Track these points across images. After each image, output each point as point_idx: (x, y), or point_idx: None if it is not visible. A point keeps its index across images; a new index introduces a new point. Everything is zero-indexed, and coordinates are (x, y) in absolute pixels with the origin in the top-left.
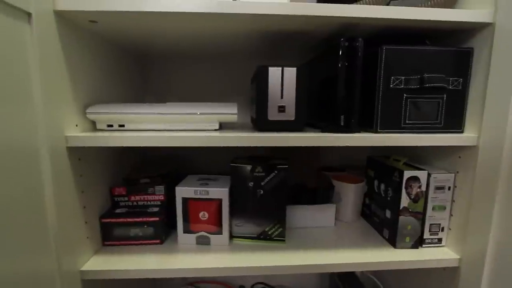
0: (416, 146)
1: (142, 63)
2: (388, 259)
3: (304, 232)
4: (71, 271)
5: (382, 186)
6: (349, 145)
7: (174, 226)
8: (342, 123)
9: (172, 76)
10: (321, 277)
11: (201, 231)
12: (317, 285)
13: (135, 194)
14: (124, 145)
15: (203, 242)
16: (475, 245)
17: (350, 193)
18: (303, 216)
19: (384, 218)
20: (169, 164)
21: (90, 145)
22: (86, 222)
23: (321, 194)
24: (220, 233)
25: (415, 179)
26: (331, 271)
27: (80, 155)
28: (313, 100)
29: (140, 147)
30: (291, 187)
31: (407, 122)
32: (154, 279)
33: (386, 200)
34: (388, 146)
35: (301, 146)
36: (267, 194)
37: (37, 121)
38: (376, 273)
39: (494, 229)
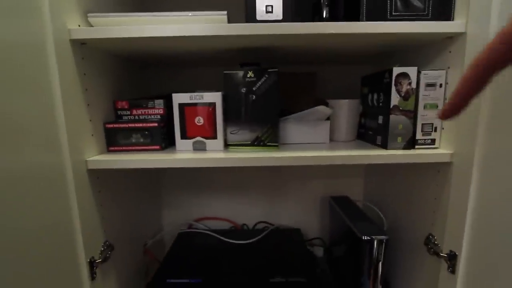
0: (407, 49)
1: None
2: (380, 153)
3: (297, 147)
4: (79, 160)
5: (375, 96)
6: (333, 32)
7: (173, 141)
8: (326, 15)
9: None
10: (321, 216)
11: (197, 136)
12: (317, 223)
13: (137, 108)
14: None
15: (199, 148)
16: (468, 140)
17: (344, 110)
18: (296, 131)
19: (376, 126)
20: None
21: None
22: (92, 135)
23: None
24: (215, 137)
25: (405, 75)
26: (324, 163)
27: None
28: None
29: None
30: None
31: (393, 14)
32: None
33: (378, 107)
34: (379, 60)
35: (296, 74)
36: (259, 99)
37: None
38: (376, 204)
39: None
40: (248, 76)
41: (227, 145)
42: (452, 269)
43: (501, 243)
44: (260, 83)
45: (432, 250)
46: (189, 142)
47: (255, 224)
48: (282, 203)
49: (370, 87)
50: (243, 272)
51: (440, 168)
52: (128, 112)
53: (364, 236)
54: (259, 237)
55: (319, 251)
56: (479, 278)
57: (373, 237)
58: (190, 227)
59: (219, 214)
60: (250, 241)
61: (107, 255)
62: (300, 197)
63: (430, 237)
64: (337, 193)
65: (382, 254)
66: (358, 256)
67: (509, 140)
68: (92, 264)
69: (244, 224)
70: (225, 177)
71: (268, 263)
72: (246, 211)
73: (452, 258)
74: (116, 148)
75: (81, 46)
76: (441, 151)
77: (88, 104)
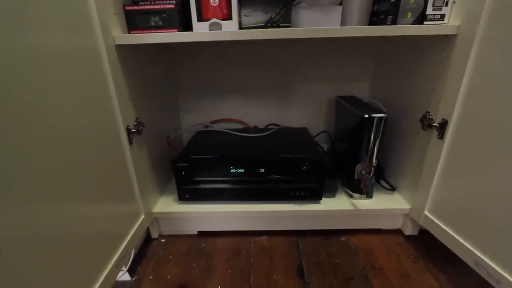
0: None
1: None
2: (390, 27)
3: None
4: (108, 37)
5: None
6: None
7: (189, 27)
8: None
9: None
10: (327, 117)
11: (213, 18)
12: (324, 123)
13: None
14: None
15: (215, 28)
16: (474, 15)
17: None
18: (308, 16)
19: (388, 7)
20: None
21: None
22: (114, 13)
23: None
24: (230, 18)
25: None
26: (335, 35)
27: None
28: None
29: None
30: None
31: None
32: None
33: None
34: None
35: None
36: None
37: None
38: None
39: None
40: None
41: (241, 28)
42: (441, 135)
43: (486, 114)
44: None
45: (427, 123)
46: (205, 25)
47: (266, 126)
48: (291, 107)
49: None
50: (256, 151)
51: (444, 46)
52: None
53: (366, 114)
54: (270, 132)
55: (324, 147)
56: (463, 142)
57: (374, 115)
58: (207, 128)
59: (232, 117)
60: (262, 134)
61: (140, 129)
62: (308, 101)
63: (426, 113)
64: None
65: (381, 131)
66: (359, 134)
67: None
68: (129, 131)
69: (255, 126)
70: (238, 79)
71: (277, 147)
72: (257, 114)
73: (443, 126)
74: (136, 31)
75: None
76: (449, 24)
77: None
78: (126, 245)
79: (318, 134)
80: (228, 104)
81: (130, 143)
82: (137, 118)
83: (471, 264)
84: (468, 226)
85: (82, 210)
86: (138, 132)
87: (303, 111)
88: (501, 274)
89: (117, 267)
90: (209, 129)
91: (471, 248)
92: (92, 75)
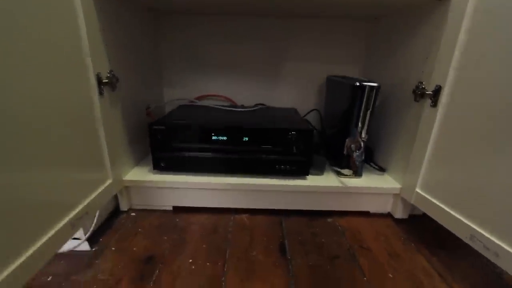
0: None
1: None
2: None
3: None
4: None
5: None
6: None
7: None
8: None
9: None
10: (318, 97)
11: None
12: (314, 104)
13: None
14: None
15: None
16: None
17: None
18: None
19: None
20: None
21: None
22: None
23: None
24: None
25: None
26: None
27: None
28: None
29: None
30: None
31: None
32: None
33: None
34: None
35: None
36: None
37: None
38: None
39: None
40: None
41: None
42: (435, 103)
43: (481, 77)
44: None
45: (419, 93)
46: None
47: (254, 105)
48: (281, 87)
49: None
50: (241, 121)
51: (438, 10)
52: None
53: (357, 82)
54: (257, 108)
55: None
56: (457, 109)
57: (365, 83)
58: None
59: (219, 93)
60: (248, 109)
61: (114, 82)
62: (298, 81)
63: (419, 84)
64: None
65: (372, 101)
66: (349, 105)
67: None
68: (99, 80)
69: (242, 105)
70: (226, 54)
71: (263, 119)
72: (245, 93)
73: (436, 93)
74: None
75: None
76: None
77: None
78: (86, 206)
79: (308, 112)
80: (215, 80)
81: (100, 93)
82: (111, 71)
83: (466, 239)
84: (463, 199)
85: (34, 174)
86: (112, 85)
87: (292, 92)
88: (499, 245)
89: (72, 228)
90: (193, 103)
91: (467, 222)
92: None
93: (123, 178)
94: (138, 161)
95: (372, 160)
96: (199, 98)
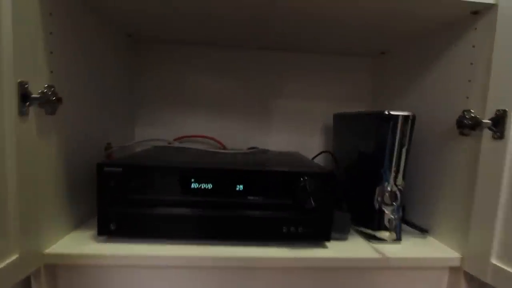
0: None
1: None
2: None
3: None
4: None
5: None
6: None
7: None
8: None
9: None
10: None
11: None
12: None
13: None
14: None
15: None
16: None
17: None
18: None
19: None
20: None
21: None
22: None
23: None
24: None
25: None
26: None
27: None
28: None
29: None
30: None
31: None
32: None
33: None
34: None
35: None
36: None
37: None
38: None
39: None
40: None
41: None
42: (501, 133)
43: None
44: None
45: (469, 124)
46: None
47: (249, 148)
48: (276, 129)
49: None
50: (232, 163)
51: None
52: None
53: (386, 111)
54: (252, 151)
55: None
56: None
57: (397, 113)
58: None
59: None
60: (242, 152)
61: (52, 100)
62: (297, 120)
63: (464, 113)
64: None
65: (408, 136)
66: (377, 141)
67: None
68: (24, 91)
69: (233, 149)
70: (212, 91)
71: (263, 162)
72: (237, 136)
73: (499, 121)
74: None
75: None
76: None
77: None
78: None
79: (318, 155)
80: (200, 120)
81: (21, 112)
82: (51, 86)
83: None
84: None
85: None
86: (49, 106)
87: (292, 133)
88: None
89: None
90: (171, 145)
91: None
92: None
93: (45, 251)
94: (80, 224)
95: (403, 216)
96: (180, 139)
